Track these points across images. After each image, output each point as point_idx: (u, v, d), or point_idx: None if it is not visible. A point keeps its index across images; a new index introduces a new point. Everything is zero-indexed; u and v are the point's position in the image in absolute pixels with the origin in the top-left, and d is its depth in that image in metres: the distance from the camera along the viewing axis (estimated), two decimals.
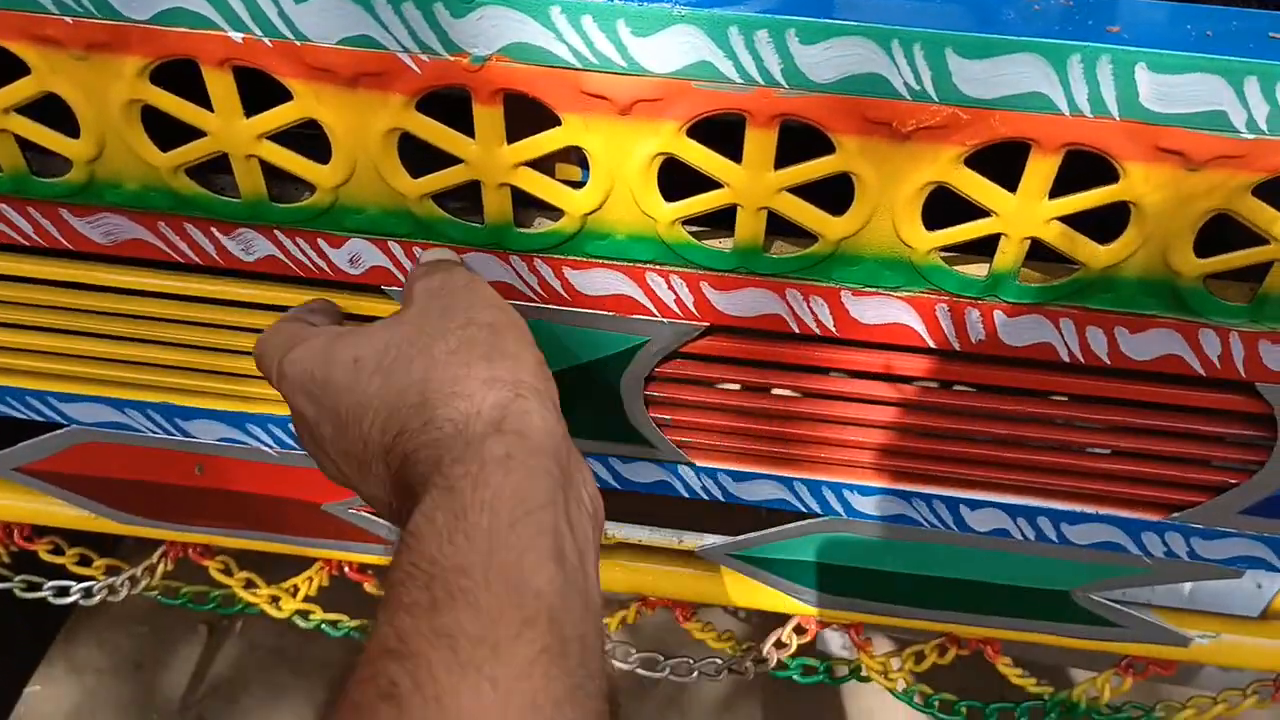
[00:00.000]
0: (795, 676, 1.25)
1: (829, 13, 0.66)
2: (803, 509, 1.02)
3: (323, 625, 1.25)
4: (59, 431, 1.05)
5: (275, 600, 1.23)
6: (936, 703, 1.23)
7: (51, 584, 1.24)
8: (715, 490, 1.01)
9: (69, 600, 1.24)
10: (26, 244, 0.87)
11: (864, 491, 0.99)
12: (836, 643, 2.01)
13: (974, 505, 0.99)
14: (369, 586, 1.20)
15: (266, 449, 1.03)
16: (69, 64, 0.73)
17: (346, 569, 1.18)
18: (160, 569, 1.21)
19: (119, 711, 2.23)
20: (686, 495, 1.02)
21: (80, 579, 1.24)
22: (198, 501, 1.09)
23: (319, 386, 0.68)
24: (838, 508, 1.01)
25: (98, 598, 1.23)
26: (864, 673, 1.22)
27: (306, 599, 1.23)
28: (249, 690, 2.28)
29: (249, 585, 1.22)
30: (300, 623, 1.25)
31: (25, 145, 0.80)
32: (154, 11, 0.70)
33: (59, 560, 1.21)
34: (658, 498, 1.04)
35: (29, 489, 1.12)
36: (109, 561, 1.23)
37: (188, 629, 2.37)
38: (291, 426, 0.77)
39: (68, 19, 0.71)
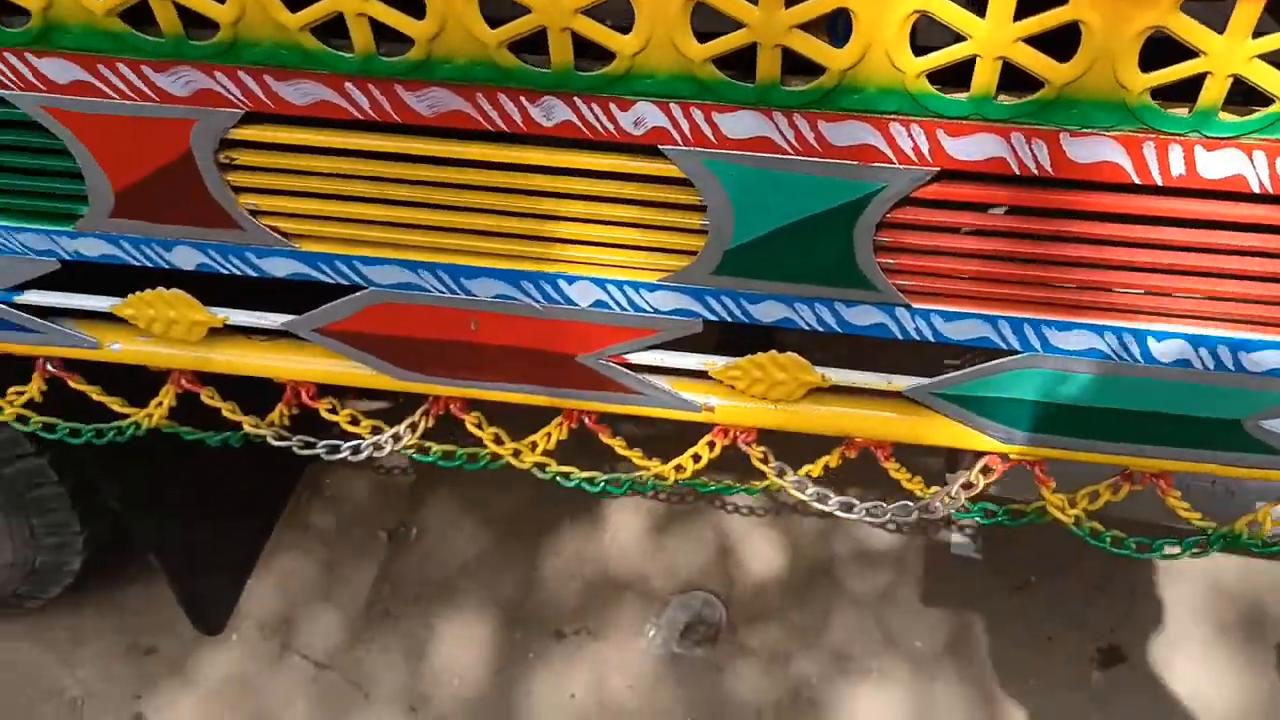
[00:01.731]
0: (978, 519, 1.40)
1: None
2: (1004, 346, 1.16)
3: (556, 477, 1.43)
4: (359, 294, 1.23)
5: (517, 454, 1.40)
6: (1109, 538, 1.37)
7: (325, 442, 1.43)
8: (926, 331, 1.16)
9: (338, 457, 1.43)
10: (362, 118, 1.04)
11: (1060, 327, 1.13)
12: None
13: (1160, 336, 1.12)
14: (603, 436, 1.36)
15: (534, 303, 1.20)
16: None
17: (587, 420, 1.34)
18: (421, 425, 1.39)
19: (316, 606, 2.45)
20: (900, 337, 1.17)
21: (348, 438, 1.43)
22: (469, 356, 1.27)
23: None
24: (1035, 343, 1.15)
25: (365, 454, 1.42)
26: (1044, 511, 1.36)
27: (545, 453, 1.40)
28: (428, 592, 2.49)
29: (497, 440, 1.39)
30: (538, 474, 1.42)
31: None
32: None
33: (334, 419, 1.40)
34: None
35: (321, 349, 1.30)
36: (373, 422, 1.42)
37: (370, 538, 2.59)
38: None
39: None
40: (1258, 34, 0.85)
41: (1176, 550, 1.37)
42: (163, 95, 1.04)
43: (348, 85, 1.02)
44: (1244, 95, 0.91)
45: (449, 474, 2.70)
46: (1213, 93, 0.90)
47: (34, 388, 1.42)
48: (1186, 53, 0.88)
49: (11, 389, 1.44)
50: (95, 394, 1.41)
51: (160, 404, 1.41)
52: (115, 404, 1.42)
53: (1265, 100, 0.90)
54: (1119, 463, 1.28)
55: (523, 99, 1.00)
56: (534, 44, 0.97)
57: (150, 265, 1.23)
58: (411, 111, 1.03)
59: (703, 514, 2.62)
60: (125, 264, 1.23)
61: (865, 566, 2.52)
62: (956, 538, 2.58)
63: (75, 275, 1.27)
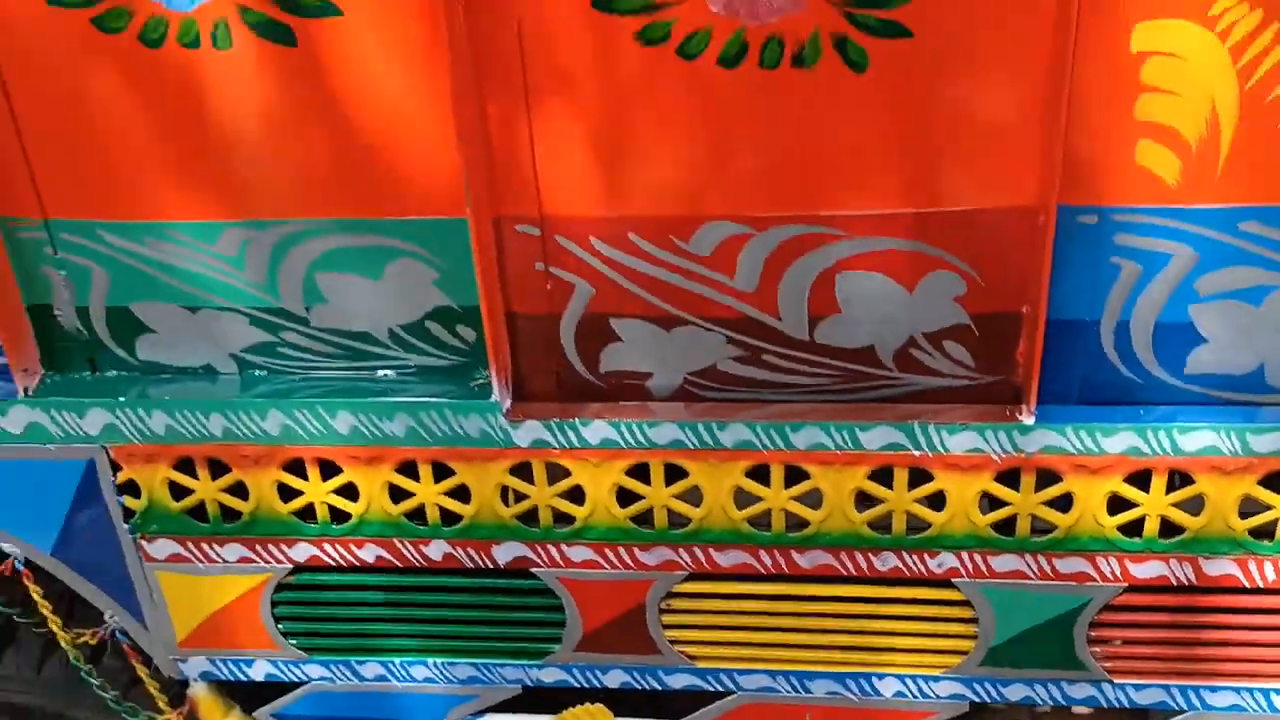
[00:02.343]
0: None
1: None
2: (1174, 707, 1.74)
3: None
4: (731, 697, 1.80)
5: None
6: None
7: None
8: (1123, 699, 1.74)
9: None
10: (764, 573, 1.69)
11: (1211, 690, 1.72)
12: None
13: (1277, 692, 1.71)
14: None
15: (852, 696, 1.78)
16: (834, 472, 1.59)
17: None
18: None
19: None
20: (1105, 706, 1.75)
21: None
22: None
23: None
24: (1197, 704, 1.73)
25: None
26: None
27: None
28: None
29: None
30: None
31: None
32: (881, 444, 1.57)
33: None
34: None
35: None
36: None
37: None
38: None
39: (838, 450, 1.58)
40: None
41: None
42: (639, 565, 1.69)
43: (760, 551, 1.67)
44: None
45: None
46: None
47: None
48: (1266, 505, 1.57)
49: None
50: None
51: None
52: None
53: None
54: None
55: (869, 553, 1.66)
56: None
57: (588, 687, 1.81)
58: (797, 566, 1.68)
59: None
60: (570, 686, 1.81)
61: None
62: None
63: None
